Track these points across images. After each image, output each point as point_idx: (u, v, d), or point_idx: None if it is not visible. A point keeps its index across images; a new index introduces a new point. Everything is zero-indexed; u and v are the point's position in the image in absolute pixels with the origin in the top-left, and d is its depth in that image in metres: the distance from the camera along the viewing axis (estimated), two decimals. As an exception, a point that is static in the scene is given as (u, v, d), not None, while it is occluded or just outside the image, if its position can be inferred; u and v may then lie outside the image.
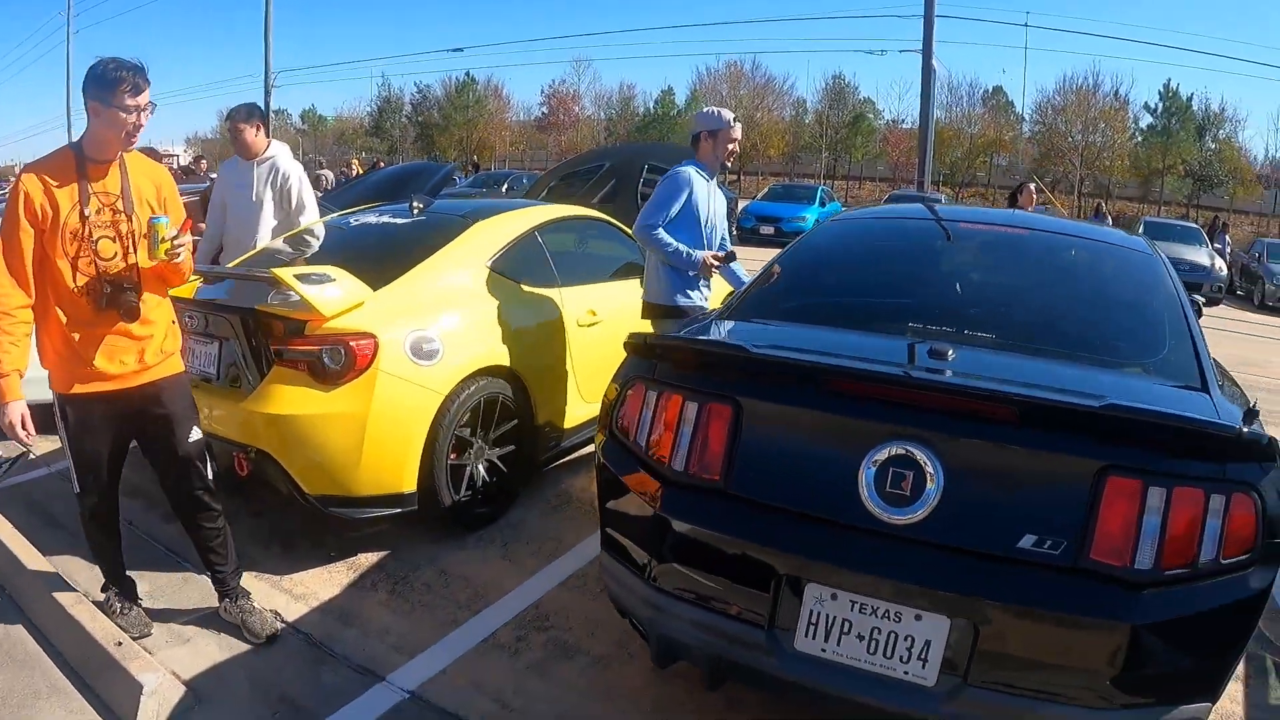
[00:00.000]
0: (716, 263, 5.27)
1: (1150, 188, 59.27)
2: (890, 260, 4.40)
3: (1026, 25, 56.96)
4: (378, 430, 4.43)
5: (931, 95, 32.50)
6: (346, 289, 4.51)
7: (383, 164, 25.35)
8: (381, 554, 4.78)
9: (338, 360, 4.36)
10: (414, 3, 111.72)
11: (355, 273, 4.68)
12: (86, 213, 3.47)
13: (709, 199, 5.30)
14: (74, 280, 3.49)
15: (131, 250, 3.59)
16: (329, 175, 20.58)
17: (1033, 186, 10.10)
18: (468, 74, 71.68)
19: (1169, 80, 58.96)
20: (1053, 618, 2.58)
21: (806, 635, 2.78)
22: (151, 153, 7.40)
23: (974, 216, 5.38)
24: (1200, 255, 21.91)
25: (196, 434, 3.88)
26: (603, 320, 5.87)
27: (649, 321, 5.40)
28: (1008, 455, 2.69)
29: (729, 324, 3.83)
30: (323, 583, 4.49)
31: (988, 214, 5.57)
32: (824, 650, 2.76)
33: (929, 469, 2.69)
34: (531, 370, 5.27)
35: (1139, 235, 4.49)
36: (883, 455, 2.74)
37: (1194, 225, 27.18)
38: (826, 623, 2.76)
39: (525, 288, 5.48)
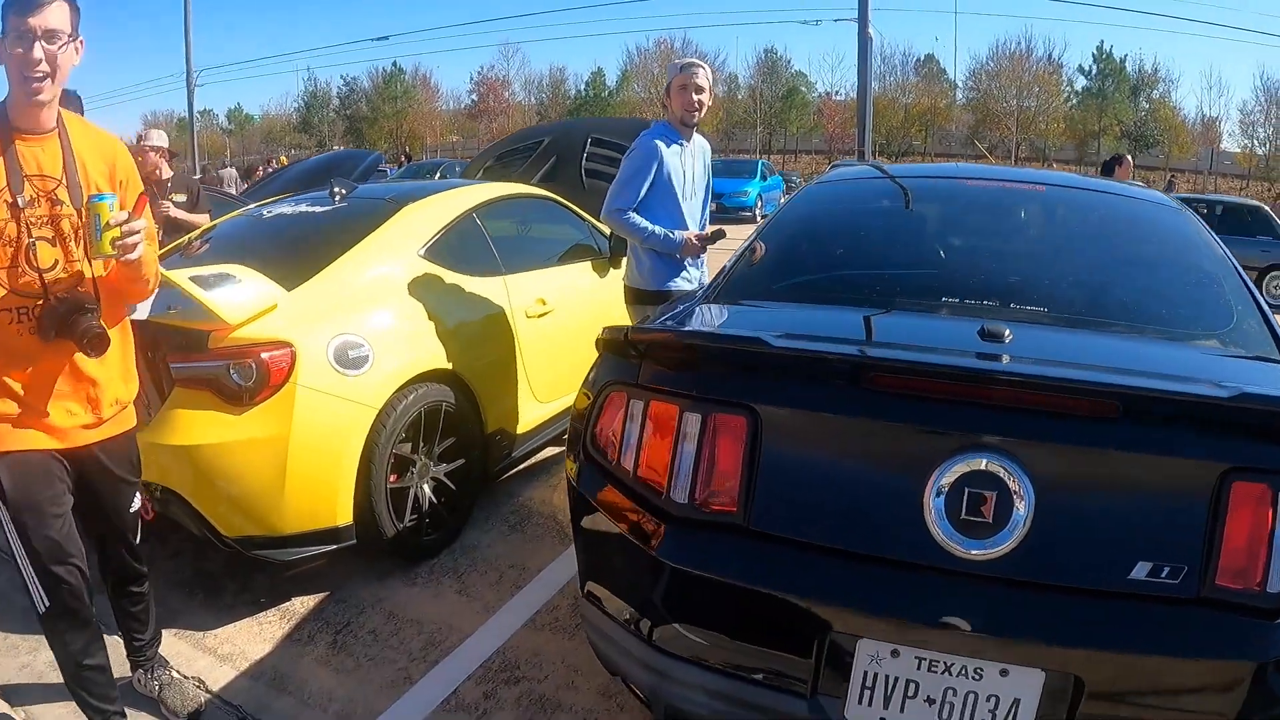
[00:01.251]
0: (701, 244, 4.62)
1: (1086, 150, 60.02)
2: (904, 224, 3.76)
3: None
4: (302, 456, 3.77)
5: (869, 65, 32.10)
6: (255, 290, 3.83)
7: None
8: (319, 597, 4.10)
9: (248, 376, 3.68)
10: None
11: (267, 270, 4.03)
12: (19, 202, 2.56)
13: (686, 166, 4.67)
14: (5, 298, 2.59)
15: (80, 255, 2.69)
16: (232, 173, 19.77)
17: (1130, 160, 9.38)
18: (394, 64, 71.37)
19: (1102, 42, 60.12)
20: (1173, 661, 2.01)
21: (860, 702, 2.17)
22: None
23: (983, 173, 4.85)
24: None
25: (136, 503, 3.10)
26: (553, 309, 5.24)
27: (626, 310, 4.81)
28: (1112, 463, 2.09)
29: (723, 308, 3.16)
30: (252, 638, 3.80)
31: (997, 171, 5.03)
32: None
33: (1016, 487, 2.06)
34: (477, 372, 4.62)
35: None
36: (955, 472, 2.10)
37: (1144, 186, 26.84)
38: (886, 686, 2.15)
39: (465, 277, 4.82)
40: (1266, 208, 18.01)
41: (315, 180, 9.92)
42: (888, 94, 60.89)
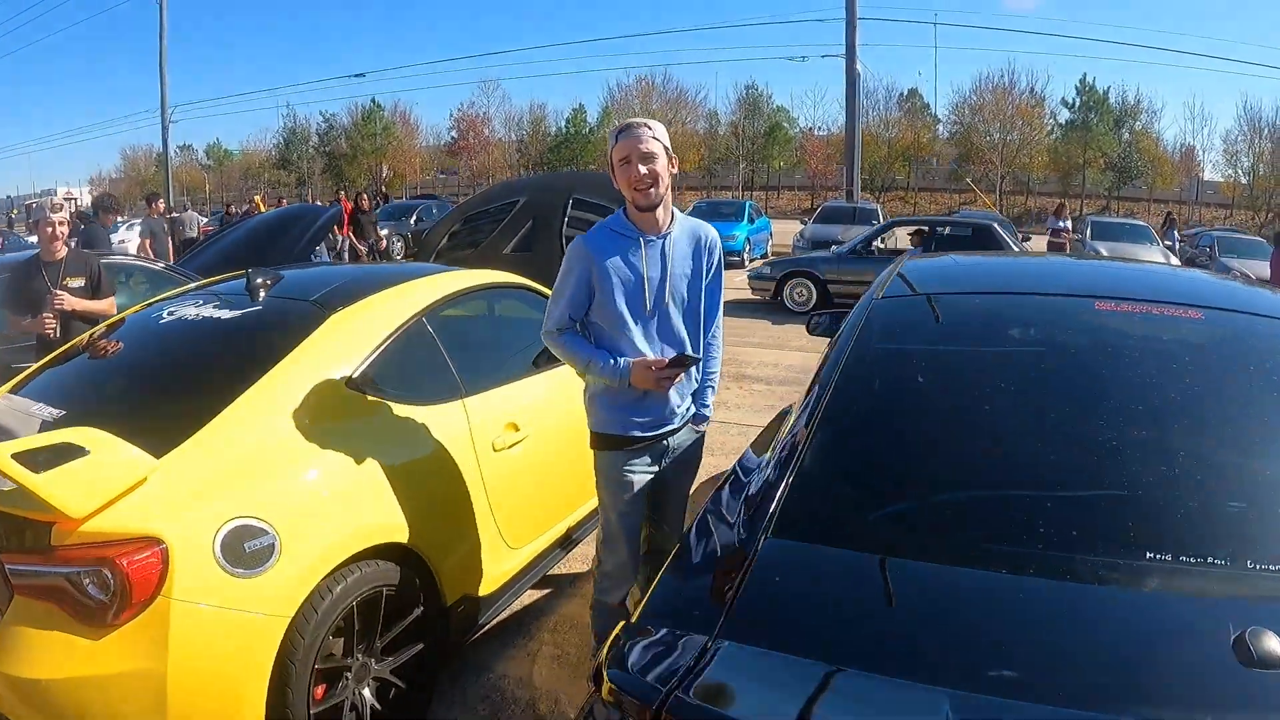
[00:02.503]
0: (661, 374, 3.32)
1: (1070, 182, 59.89)
2: (1036, 397, 2.71)
3: (935, 23, 57.66)
4: (185, 697, 2.70)
5: (857, 100, 31.56)
6: (109, 464, 2.75)
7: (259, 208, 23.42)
8: None
9: (105, 588, 2.63)
10: (316, 30, 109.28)
11: (138, 420, 3.06)
12: None
13: (650, 268, 3.35)
14: None
15: None
16: (193, 216, 18.64)
17: None
18: (373, 101, 70.51)
19: (1085, 74, 60.00)
20: None
21: None
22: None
23: (1103, 283, 3.70)
24: (1155, 254, 20.82)
25: None
26: (528, 435, 4.19)
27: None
28: None
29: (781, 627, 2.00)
30: None
31: (1116, 275, 3.99)
32: None
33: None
34: (431, 536, 3.55)
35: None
36: None
37: (1142, 223, 26.17)
38: None
39: (412, 409, 3.73)
40: (995, 224, 17.40)
41: (265, 243, 8.95)
42: (871, 129, 60.25)
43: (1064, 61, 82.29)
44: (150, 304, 4.52)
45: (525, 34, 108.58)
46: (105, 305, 5.69)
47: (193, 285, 5.03)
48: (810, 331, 5.58)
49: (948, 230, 17.79)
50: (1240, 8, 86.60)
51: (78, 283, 5.64)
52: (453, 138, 71.28)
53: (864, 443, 2.55)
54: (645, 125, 3.31)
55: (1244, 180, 57.95)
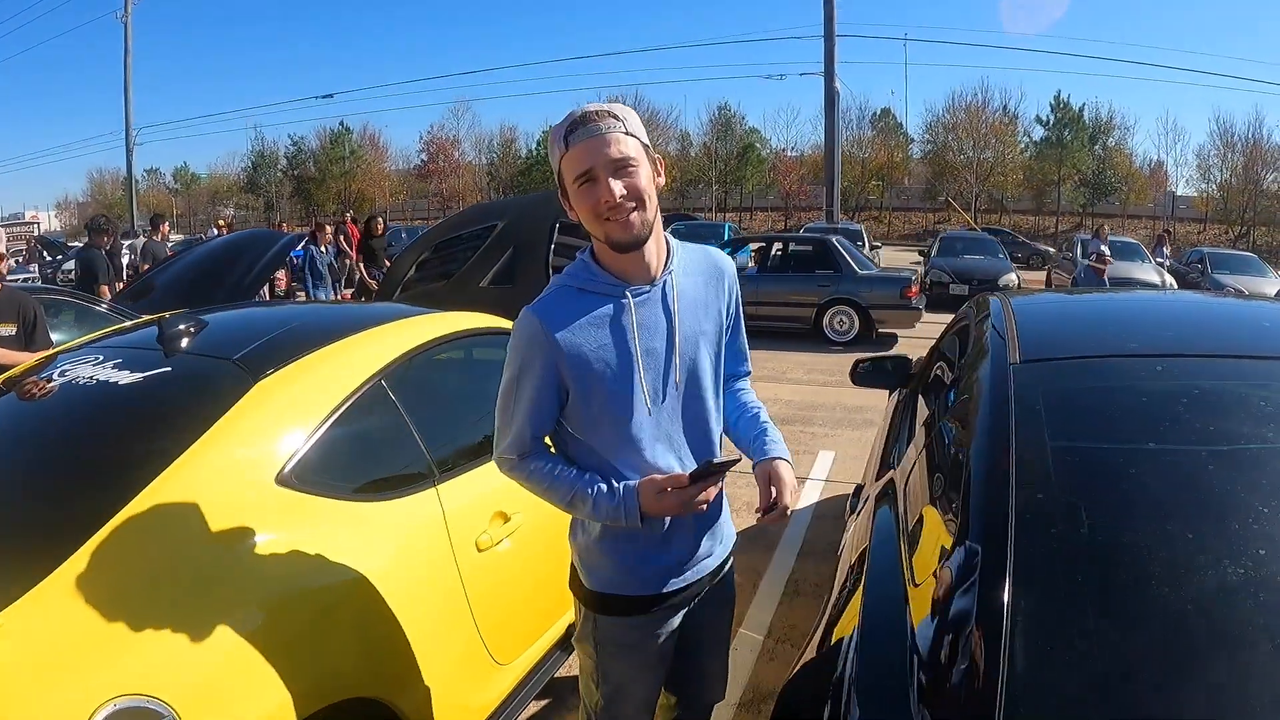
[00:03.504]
0: (685, 495, 2.13)
1: (1045, 199, 60.31)
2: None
3: (906, 40, 57.75)
4: None
5: (837, 119, 30.97)
6: None
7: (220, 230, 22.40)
8: None
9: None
10: (285, 51, 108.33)
11: None
12: None
13: (643, 332, 2.19)
14: None
15: None
16: (138, 244, 17.47)
17: None
18: (342, 123, 69.74)
19: (1059, 91, 60.46)
20: None
21: None
22: None
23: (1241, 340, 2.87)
24: (1149, 273, 20.31)
25: None
26: (522, 523, 3.25)
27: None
28: None
29: None
30: None
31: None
32: None
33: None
34: (399, 679, 2.63)
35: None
36: None
37: (1133, 240, 25.73)
38: None
39: (367, 506, 2.79)
40: (834, 239, 16.44)
41: (215, 273, 7.98)
42: (844, 148, 60.25)
43: (1038, 78, 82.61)
44: (46, 358, 3.52)
45: (496, 55, 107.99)
46: (31, 358, 4.60)
47: (90, 336, 4.00)
48: (857, 380, 4.70)
49: (790, 247, 17.16)
50: (1212, 22, 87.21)
51: (6, 330, 4.70)
52: (422, 160, 70.72)
53: (1101, 628, 1.59)
54: (610, 114, 2.10)
55: (1217, 194, 58.59)
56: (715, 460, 2.24)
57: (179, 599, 2.20)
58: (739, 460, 2.22)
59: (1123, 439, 2.14)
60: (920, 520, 2.23)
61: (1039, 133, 61.95)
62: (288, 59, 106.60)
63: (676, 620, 2.39)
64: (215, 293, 7.09)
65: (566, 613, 3.66)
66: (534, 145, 68.65)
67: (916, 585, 1.88)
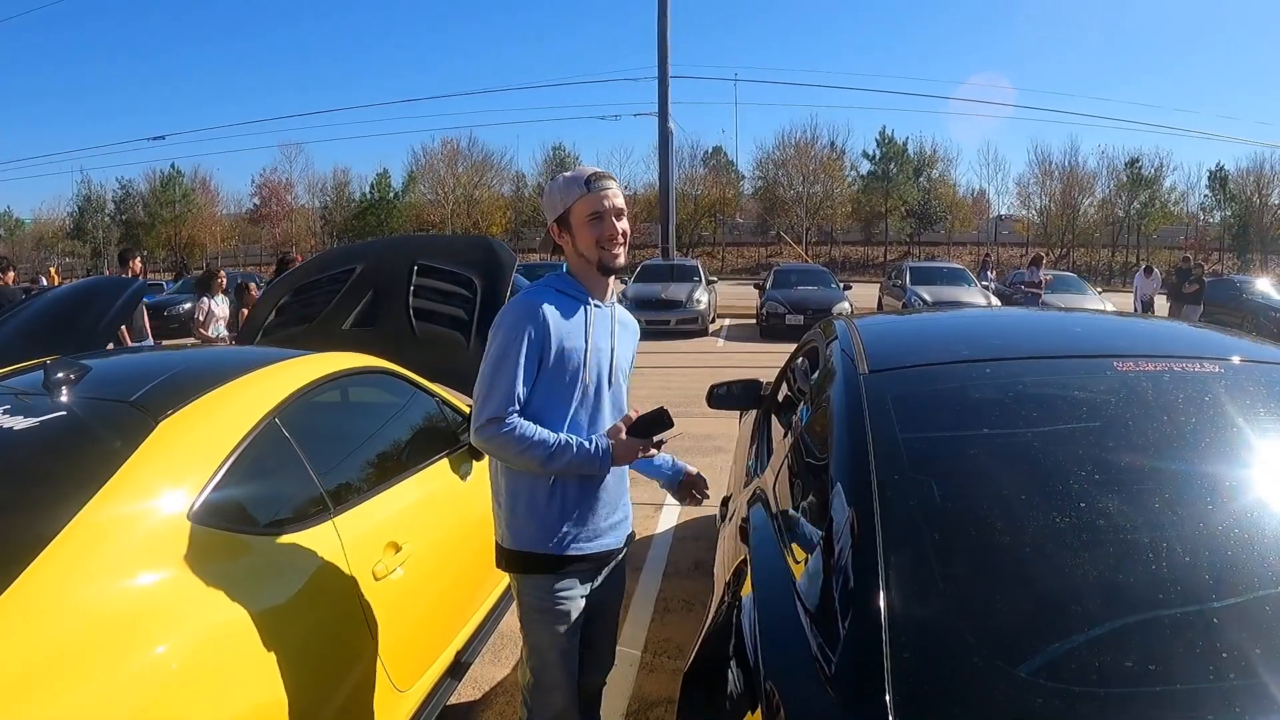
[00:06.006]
0: (641, 446, 2.85)
1: (873, 230, 62.32)
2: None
3: (735, 80, 59.33)
4: None
5: (671, 158, 31.63)
6: None
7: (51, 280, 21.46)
8: None
9: None
10: (113, 91, 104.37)
11: None
12: None
13: (600, 339, 2.89)
14: None
15: None
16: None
17: None
18: (173, 166, 67.45)
19: (884, 127, 62.56)
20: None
21: None
22: None
23: (1085, 340, 3.42)
24: (975, 296, 21.42)
25: None
26: (411, 553, 3.41)
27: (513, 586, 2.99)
28: None
29: None
30: None
31: (1108, 330, 3.69)
32: None
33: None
34: (307, 703, 2.68)
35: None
36: None
37: (959, 266, 27.00)
38: None
39: (271, 540, 2.91)
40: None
41: (56, 327, 7.77)
42: (678, 187, 61.14)
43: (864, 114, 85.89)
44: None
45: (328, 97, 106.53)
46: None
47: None
48: (713, 403, 4.96)
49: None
50: (1029, 56, 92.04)
51: None
52: (255, 205, 68.95)
53: (963, 579, 1.93)
54: (609, 176, 2.86)
55: (1037, 219, 61.57)
56: (646, 413, 2.84)
57: (99, 642, 2.24)
58: (673, 427, 2.86)
59: (961, 427, 2.55)
60: (794, 510, 2.54)
61: (866, 167, 64.16)
62: (116, 101, 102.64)
63: (585, 586, 2.87)
64: (66, 341, 6.92)
65: (453, 640, 3.84)
66: (367, 188, 67.82)
67: (798, 561, 2.16)
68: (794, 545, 2.30)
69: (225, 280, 11.85)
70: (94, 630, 2.25)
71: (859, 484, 2.13)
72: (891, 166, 62.53)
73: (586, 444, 2.75)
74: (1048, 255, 25.20)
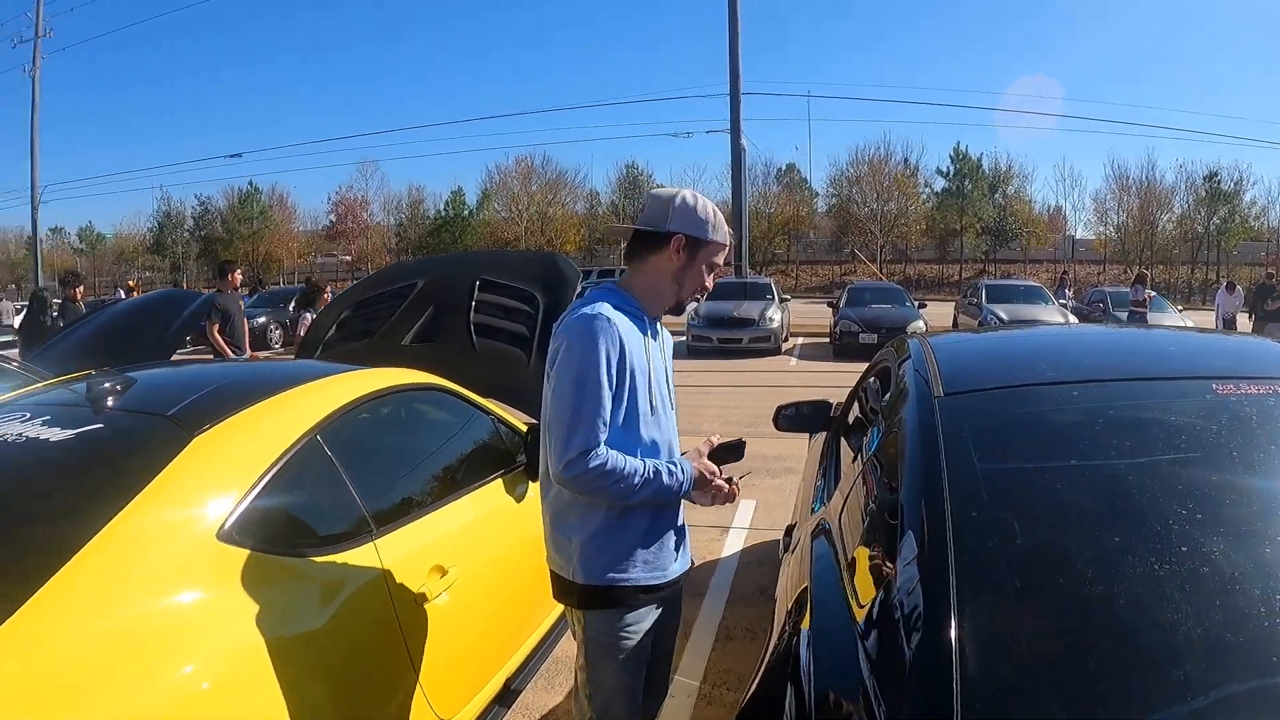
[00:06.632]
0: (715, 468, 2.77)
1: (947, 248, 61.53)
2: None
3: (809, 97, 59.10)
4: None
5: (744, 176, 31.45)
6: None
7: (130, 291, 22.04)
8: None
9: None
10: (194, 110, 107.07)
11: None
12: None
13: (654, 362, 2.71)
14: None
15: None
16: (7, 306, 17.09)
17: None
18: (251, 183, 68.95)
19: (958, 142, 62.01)
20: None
21: None
22: None
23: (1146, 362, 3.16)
24: (1052, 314, 20.99)
25: None
26: (459, 577, 3.27)
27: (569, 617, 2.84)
28: None
29: None
30: None
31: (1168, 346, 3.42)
32: None
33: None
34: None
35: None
36: None
37: (1035, 283, 26.48)
38: None
39: (307, 562, 2.79)
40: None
41: (125, 334, 7.84)
42: (751, 204, 61.03)
43: (938, 130, 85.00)
44: None
45: (404, 116, 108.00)
46: None
47: (21, 391, 3.95)
48: (780, 425, 4.79)
49: None
50: (1104, 70, 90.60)
51: None
52: (331, 221, 70.06)
53: (1044, 625, 1.73)
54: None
55: (1114, 236, 60.32)
56: (727, 441, 2.85)
57: (118, 662, 2.16)
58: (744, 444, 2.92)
59: (1046, 458, 2.32)
60: (859, 544, 2.33)
61: (940, 184, 63.47)
62: (197, 119, 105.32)
63: (652, 619, 2.68)
64: (131, 352, 6.94)
65: (502, 668, 3.69)
66: (442, 206, 68.56)
67: (861, 604, 1.97)
68: (857, 584, 2.11)
69: (330, 295, 11.92)
70: (111, 645, 2.18)
71: (932, 520, 1.94)
72: (966, 183, 61.77)
73: (674, 469, 2.62)
74: (1137, 269, 24.59)
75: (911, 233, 61.39)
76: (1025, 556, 1.90)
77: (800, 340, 24.30)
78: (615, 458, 2.49)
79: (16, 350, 10.70)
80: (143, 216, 76.36)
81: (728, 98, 29.87)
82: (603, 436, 2.49)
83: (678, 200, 2.69)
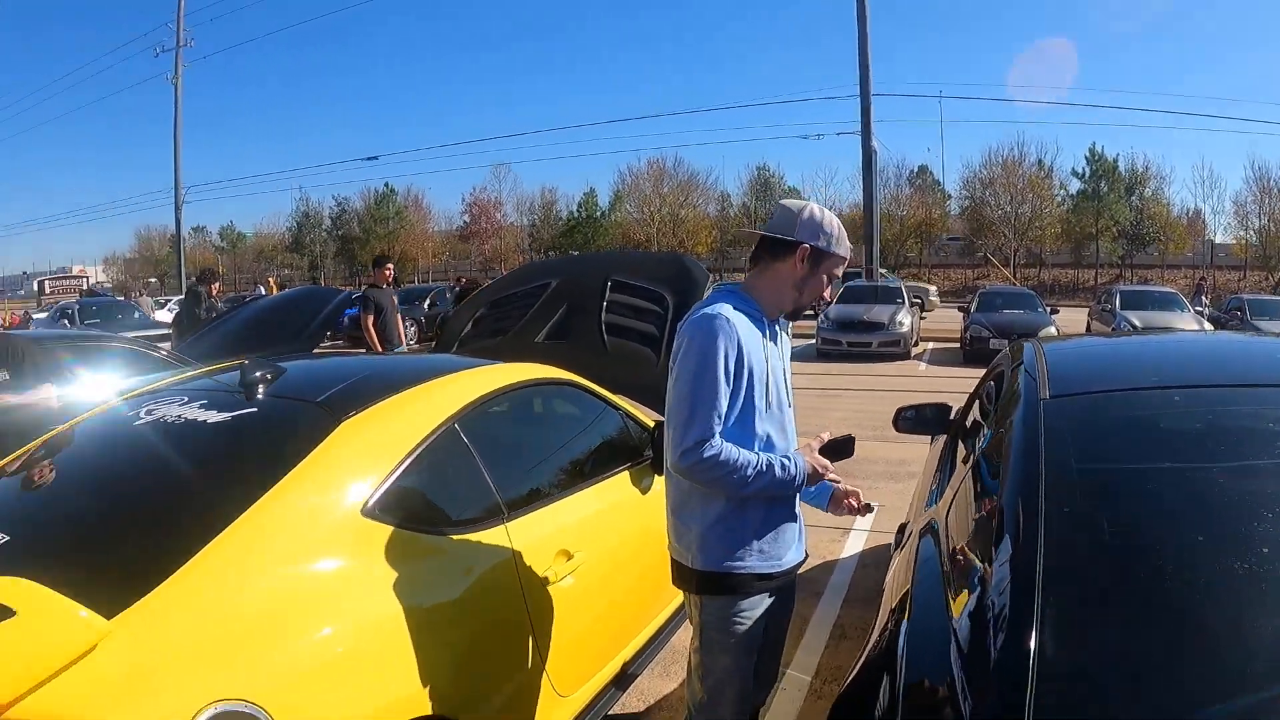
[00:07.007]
0: (827, 463, 2.87)
1: (1083, 252, 59.55)
2: None
3: (940, 97, 57.93)
4: None
5: (874, 178, 31.16)
6: (42, 629, 1.99)
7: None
8: None
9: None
10: (330, 113, 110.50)
11: (89, 560, 2.41)
12: None
13: (773, 362, 2.84)
14: None
15: None
16: (148, 301, 17.88)
17: None
18: (386, 184, 70.91)
19: (1094, 143, 59.97)
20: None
21: None
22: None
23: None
24: (1188, 322, 20.30)
25: None
26: (583, 562, 3.43)
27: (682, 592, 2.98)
28: None
29: None
30: None
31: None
32: None
33: None
34: (470, 699, 2.79)
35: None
36: None
37: (1171, 290, 25.58)
38: None
39: (443, 541, 3.00)
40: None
41: (268, 329, 8.27)
42: (882, 206, 59.92)
43: (1073, 130, 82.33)
44: (128, 398, 3.79)
45: (537, 117, 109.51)
46: (31, 398, 4.88)
47: (178, 377, 4.29)
48: (900, 427, 4.88)
49: None
50: (1245, 65, 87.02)
51: None
52: (465, 222, 71.35)
53: (1122, 618, 1.78)
54: None
55: (1255, 240, 57.62)
56: (837, 438, 2.93)
57: (275, 611, 2.41)
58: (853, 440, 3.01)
59: (1143, 460, 2.37)
60: (961, 543, 2.41)
61: (1075, 186, 61.32)
62: (334, 122, 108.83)
63: (765, 606, 2.81)
64: (274, 345, 7.29)
65: (620, 652, 3.84)
66: (575, 207, 69.25)
67: (957, 603, 2.06)
68: (955, 582, 2.19)
69: None
70: (262, 607, 2.41)
71: (1026, 521, 2.01)
72: (1102, 185, 59.50)
73: (787, 463, 2.73)
74: (1210, 279, 23.82)
75: (1046, 236, 59.58)
76: (1114, 559, 1.95)
77: (931, 345, 23.99)
78: (729, 449, 2.62)
79: (169, 342, 11.28)
80: (281, 216, 79.14)
81: (858, 99, 29.60)
82: (718, 429, 2.62)
83: (805, 213, 2.83)
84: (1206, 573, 1.87)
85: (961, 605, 1.99)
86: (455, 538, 3.03)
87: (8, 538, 2.61)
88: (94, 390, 6.05)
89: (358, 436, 2.98)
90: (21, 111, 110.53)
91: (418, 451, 3.05)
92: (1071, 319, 24.72)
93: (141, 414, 3.35)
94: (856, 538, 6.89)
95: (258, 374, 3.32)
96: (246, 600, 2.40)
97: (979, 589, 1.96)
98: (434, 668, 2.65)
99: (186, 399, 3.41)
